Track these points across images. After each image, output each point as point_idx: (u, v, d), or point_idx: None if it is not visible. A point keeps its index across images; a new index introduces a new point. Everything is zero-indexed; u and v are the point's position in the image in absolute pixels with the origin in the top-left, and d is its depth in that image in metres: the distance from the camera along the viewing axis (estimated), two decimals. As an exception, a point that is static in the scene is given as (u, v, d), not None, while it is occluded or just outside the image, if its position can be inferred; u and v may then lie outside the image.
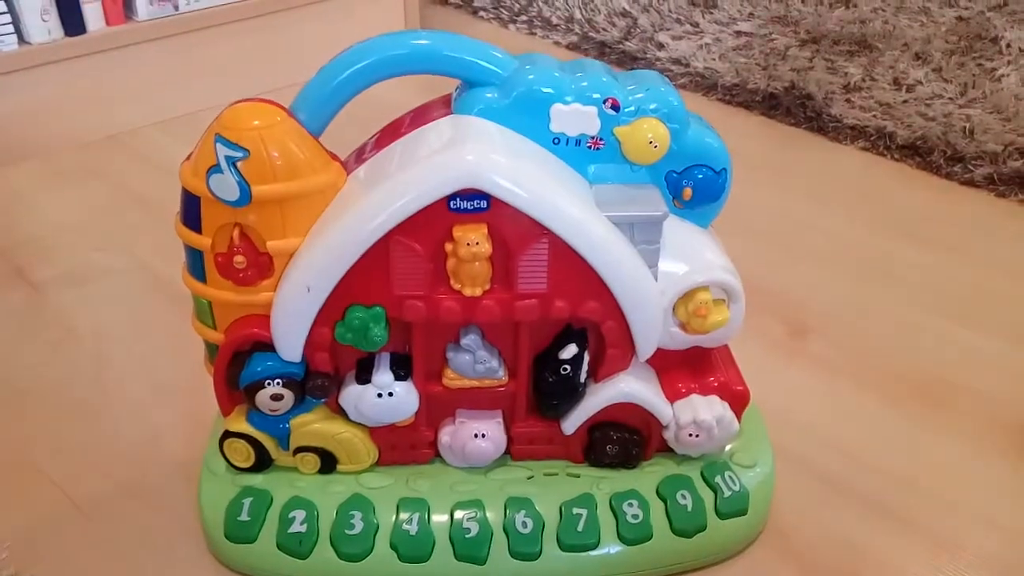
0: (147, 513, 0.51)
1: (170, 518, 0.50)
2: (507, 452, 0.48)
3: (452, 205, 0.40)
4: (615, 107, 0.41)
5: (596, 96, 0.41)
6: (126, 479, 0.53)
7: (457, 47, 0.41)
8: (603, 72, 0.42)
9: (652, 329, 0.44)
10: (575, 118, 0.41)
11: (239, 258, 0.41)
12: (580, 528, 0.46)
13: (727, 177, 0.43)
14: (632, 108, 0.41)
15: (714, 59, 1.07)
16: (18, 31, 0.86)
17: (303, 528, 0.45)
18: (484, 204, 0.40)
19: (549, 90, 0.41)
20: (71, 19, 0.88)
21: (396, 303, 0.42)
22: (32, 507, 0.51)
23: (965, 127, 0.91)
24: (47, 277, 0.71)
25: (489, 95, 0.41)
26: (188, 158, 0.41)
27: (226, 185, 0.39)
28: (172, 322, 0.65)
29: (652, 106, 0.41)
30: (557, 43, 1.17)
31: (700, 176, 0.43)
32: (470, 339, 0.44)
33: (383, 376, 0.44)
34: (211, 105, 0.40)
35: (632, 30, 1.15)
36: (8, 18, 0.85)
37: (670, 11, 1.20)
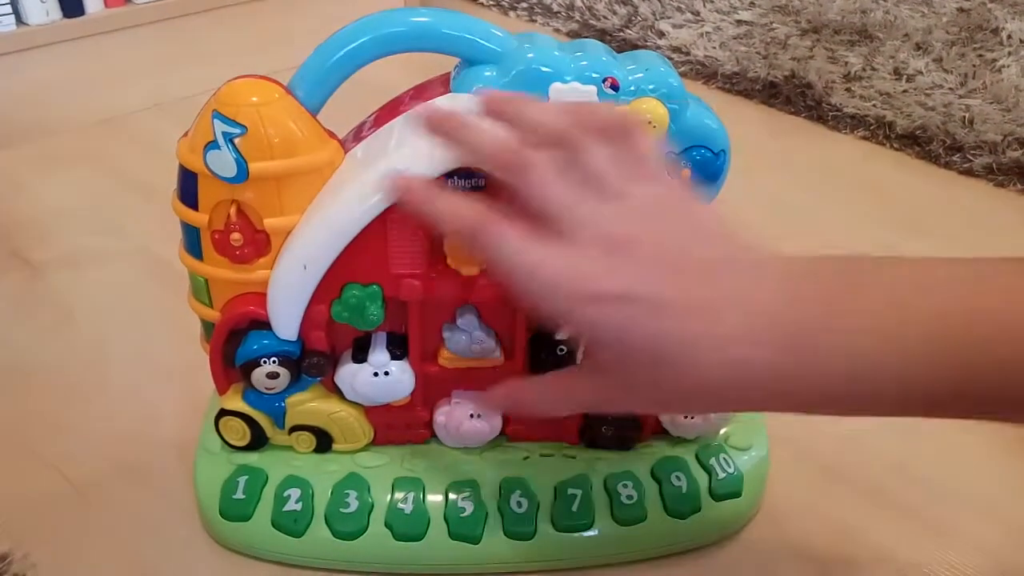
0: (142, 492, 0.51)
1: (165, 497, 0.50)
2: (503, 433, 0.48)
3: (450, 183, 0.40)
4: (614, 87, 0.41)
5: (595, 76, 0.41)
6: (121, 459, 0.53)
7: (456, 25, 0.41)
8: (602, 52, 0.42)
9: (649, 310, 0.44)
10: (574, 97, 0.41)
11: (236, 235, 0.41)
12: (574, 508, 0.46)
13: (726, 158, 0.43)
14: (631, 88, 0.41)
15: (714, 47, 1.07)
16: (16, 12, 0.86)
17: (298, 506, 0.45)
18: (482, 182, 0.40)
19: (548, 69, 0.41)
20: (70, 1, 0.88)
21: (393, 282, 0.42)
22: (27, 487, 0.51)
23: (965, 117, 0.90)
24: (44, 259, 0.71)
25: (488, 73, 0.41)
26: (186, 134, 0.41)
27: (223, 162, 0.39)
28: (169, 304, 0.65)
29: (651, 86, 0.41)
30: (557, 30, 1.17)
31: (698, 157, 0.43)
32: (467, 319, 0.44)
33: (379, 355, 0.44)
34: (210, 88, 0.40)
35: (633, 18, 1.15)
36: (6, -1, 0.84)
37: (671, -1, 1.19)
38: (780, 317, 0.33)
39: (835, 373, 0.33)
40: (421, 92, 0.43)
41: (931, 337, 0.32)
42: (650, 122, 0.41)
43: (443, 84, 0.43)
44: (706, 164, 0.43)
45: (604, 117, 0.37)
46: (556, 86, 0.41)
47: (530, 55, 0.41)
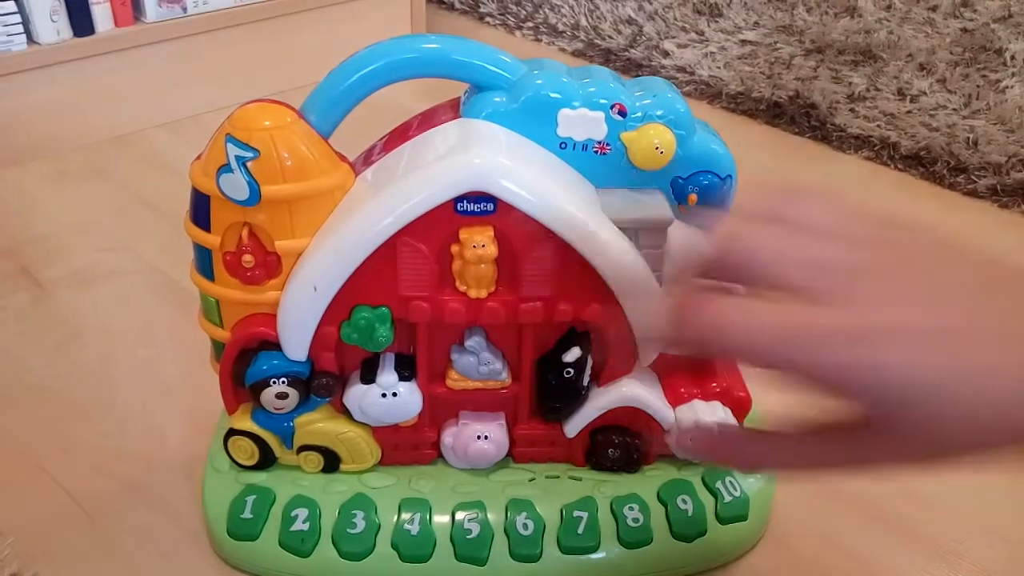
0: (149, 512, 0.51)
1: (172, 516, 0.51)
2: (509, 454, 0.49)
3: (459, 207, 0.40)
4: (622, 113, 0.41)
5: (603, 102, 0.41)
6: (129, 478, 0.53)
7: (466, 51, 0.41)
8: (610, 78, 0.43)
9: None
10: (582, 123, 0.41)
11: (247, 257, 0.41)
12: (580, 531, 0.46)
13: (732, 183, 0.44)
14: (639, 114, 0.42)
15: (719, 67, 1.08)
16: (27, 31, 0.86)
17: (305, 526, 0.46)
18: (491, 207, 0.40)
19: (557, 95, 0.41)
20: (80, 20, 0.88)
21: (402, 304, 0.42)
22: (35, 505, 0.51)
23: (969, 138, 0.91)
24: (53, 277, 0.72)
25: (497, 99, 0.41)
26: (199, 157, 0.41)
27: (236, 185, 0.40)
28: (177, 322, 0.65)
29: (659, 112, 0.42)
30: (563, 50, 1.17)
31: (705, 182, 0.43)
32: (474, 341, 0.45)
33: (387, 376, 0.45)
34: (219, 107, 0.41)
35: (637, 38, 1.16)
36: (18, 18, 0.85)
37: (675, 19, 1.20)
38: None
39: None
40: (431, 117, 0.44)
41: None
42: (657, 147, 0.42)
43: (453, 109, 0.43)
44: (713, 189, 0.43)
45: (800, 191, 0.34)
46: (564, 112, 0.41)
47: (539, 81, 0.41)
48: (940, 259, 0.31)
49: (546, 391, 0.46)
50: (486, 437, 0.47)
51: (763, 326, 0.30)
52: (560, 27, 1.20)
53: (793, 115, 0.99)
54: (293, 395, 0.44)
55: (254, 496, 0.47)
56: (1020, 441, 0.30)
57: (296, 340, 0.43)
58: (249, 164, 0.39)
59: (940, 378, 0.29)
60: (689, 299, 0.31)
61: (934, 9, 1.23)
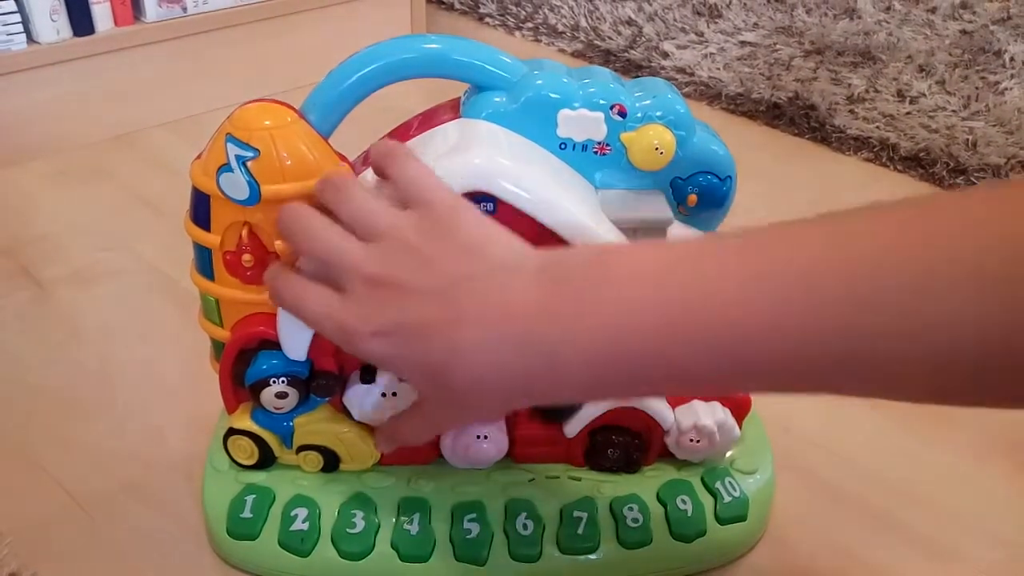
0: (149, 511, 0.51)
1: (172, 516, 0.51)
2: (509, 454, 0.49)
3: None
4: (622, 113, 0.41)
5: (603, 102, 0.41)
6: (129, 477, 0.53)
7: (467, 52, 0.41)
8: (610, 79, 0.43)
9: (655, 334, 0.44)
10: (582, 123, 0.42)
11: (247, 256, 0.41)
12: (580, 531, 0.46)
13: (732, 184, 0.44)
14: (639, 115, 0.42)
15: (718, 68, 1.08)
16: (27, 31, 0.86)
17: (305, 526, 0.46)
18: (491, 207, 0.40)
19: (557, 95, 0.41)
20: (80, 19, 0.88)
21: (402, 304, 0.42)
22: (34, 504, 0.51)
23: (968, 139, 0.91)
24: (54, 277, 0.72)
25: (497, 99, 0.42)
26: (199, 157, 0.41)
27: (236, 184, 0.40)
28: (177, 322, 0.65)
29: (658, 113, 0.42)
30: (562, 50, 1.17)
31: (705, 183, 0.43)
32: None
33: (387, 376, 0.44)
34: (219, 106, 0.41)
35: (637, 39, 1.16)
36: (17, 18, 0.85)
37: (675, 20, 1.20)
38: (527, 320, 0.34)
39: (578, 369, 0.34)
40: (431, 117, 0.44)
41: (666, 324, 0.32)
42: (657, 148, 0.42)
43: (453, 109, 0.43)
44: (713, 190, 0.43)
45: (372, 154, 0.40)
46: (564, 112, 0.41)
47: (539, 81, 0.41)
48: (444, 244, 0.36)
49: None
50: (486, 437, 0.47)
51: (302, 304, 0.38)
52: (560, 28, 1.20)
53: (792, 116, 0.99)
54: (293, 395, 0.44)
55: (254, 496, 0.47)
56: (550, 393, 0.36)
57: (295, 340, 0.43)
58: (249, 163, 0.39)
59: (453, 354, 0.35)
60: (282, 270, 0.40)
61: (933, 11, 1.23)
